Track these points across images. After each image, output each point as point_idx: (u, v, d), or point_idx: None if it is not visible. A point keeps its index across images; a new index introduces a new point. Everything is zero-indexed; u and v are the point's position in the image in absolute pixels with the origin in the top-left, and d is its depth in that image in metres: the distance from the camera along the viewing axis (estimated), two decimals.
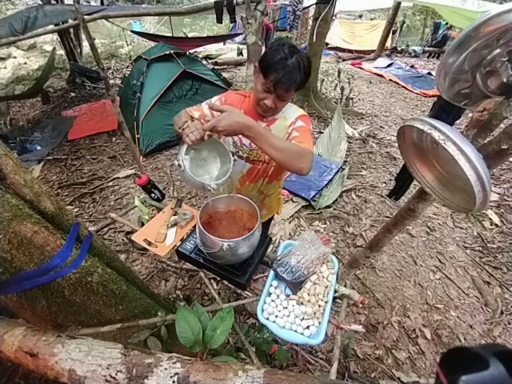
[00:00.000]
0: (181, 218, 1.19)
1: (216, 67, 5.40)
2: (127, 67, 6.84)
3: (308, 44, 4.54)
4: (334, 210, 2.75)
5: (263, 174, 1.16)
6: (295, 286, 0.91)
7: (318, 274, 0.95)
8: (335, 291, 0.95)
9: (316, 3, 3.96)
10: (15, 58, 7.71)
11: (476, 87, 0.69)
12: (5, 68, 7.08)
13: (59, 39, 5.80)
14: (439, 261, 2.28)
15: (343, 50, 9.54)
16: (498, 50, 0.59)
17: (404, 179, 2.15)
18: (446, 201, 0.82)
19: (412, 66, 7.85)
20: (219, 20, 3.20)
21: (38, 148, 3.67)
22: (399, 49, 9.84)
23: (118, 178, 3.12)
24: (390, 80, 6.84)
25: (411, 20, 13.94)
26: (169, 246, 1.11)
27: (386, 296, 1.99)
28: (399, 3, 7.57)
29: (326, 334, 0.83)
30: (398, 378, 1.55)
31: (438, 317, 1.88)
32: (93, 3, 9.79)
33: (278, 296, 0.93)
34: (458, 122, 1.79)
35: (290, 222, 2.58)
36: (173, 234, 1.15)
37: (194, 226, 1.16)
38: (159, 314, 0.98)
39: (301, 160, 0.84)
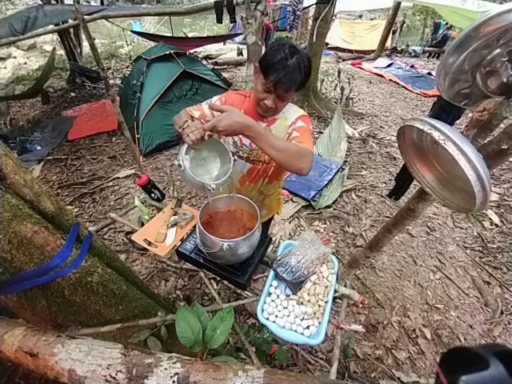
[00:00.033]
0: (181, 218, 1.19)
1: (216, 67, 5.40)
2: (127, 67, 6.84)
3: (308, 44, 4.53)
4: (334, 209, 2.75)
5: (263, 174, 1.16)
6: (295, 286, 0.91)
7: (317, 274, 0.95)
8: (335, 291, 0.95)
9: (316, 3, 3.96)
10: (15, 57, 7.71)
11: (476, 87, 0.69)
12: (5, 68, 7.08)
13: (59, 39, 5.80)
14: (439, 261, 2.28)
15: (343, 50, 9.54)
16: (497, 50, 0.59)
17: (404, 179, 2.15)
18: (446, 201, 0.82)
19: (412, 66, 7.85)
20: (219, 20, 3.20)
21: (38, 148, 3.67)
22: (399, 49, 9.84)
23: (118, 178, 3.12)
24: (390, 80, 6.84)
25: (411, 20, 13.93)
26: (169, 246, 1.11)
27: (386, 296, 1.99)
28: (399, 3, 7.57)
29: (326, 334, 0.83)
30: (398, 378, 1.55)
31: (438, 317, 1.88)
32: (93, 3, 9.80)
33: (278, 296, 0.93)
34: (458, 121, 1.79)
35: (290, 222, 2.58)
36: (173, 234, 1.15)
37: (194, 226, 1.16)
38: (159, 313, 0.98)
39: (301, 160, 0.84)
